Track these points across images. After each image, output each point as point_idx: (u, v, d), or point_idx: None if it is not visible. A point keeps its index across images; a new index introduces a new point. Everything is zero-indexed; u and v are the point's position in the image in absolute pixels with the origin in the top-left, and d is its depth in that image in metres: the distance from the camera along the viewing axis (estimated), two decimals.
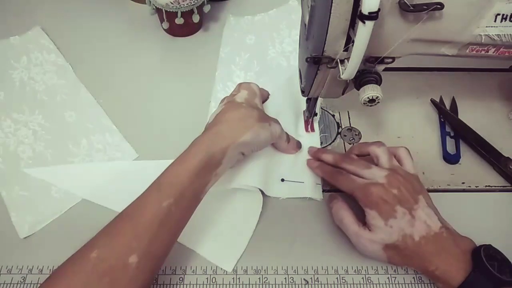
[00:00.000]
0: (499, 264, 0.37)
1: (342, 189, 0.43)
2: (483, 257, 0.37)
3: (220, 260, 0.43)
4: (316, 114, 0.51)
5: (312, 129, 0.52)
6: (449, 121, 0.53)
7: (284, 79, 0.56)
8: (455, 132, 0.52)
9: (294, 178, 0.48)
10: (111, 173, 0.49)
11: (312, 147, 0.50)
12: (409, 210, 0.39)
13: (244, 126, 0.40)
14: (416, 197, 0.40)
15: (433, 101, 0.55)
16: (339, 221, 0.43)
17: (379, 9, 0.30)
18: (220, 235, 0.44)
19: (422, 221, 0.39)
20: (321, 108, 0.54)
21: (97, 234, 0.36)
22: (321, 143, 0.51)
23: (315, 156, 0.48)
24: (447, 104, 0.55)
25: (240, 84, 0.47)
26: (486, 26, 0.35)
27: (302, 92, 0.45)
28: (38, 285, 0.41)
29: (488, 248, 0.38)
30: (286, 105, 0.53)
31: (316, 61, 0.38)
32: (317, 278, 0.42)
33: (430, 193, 0.47)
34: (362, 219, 0.41)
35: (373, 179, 0.41)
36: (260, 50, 0.62)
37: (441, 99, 0.56)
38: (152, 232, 0.35)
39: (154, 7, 0.58)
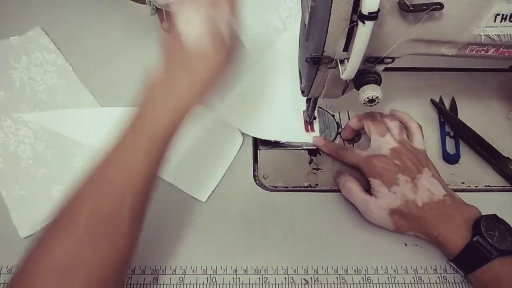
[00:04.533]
0: (501, 234, 0.39)
1: (347, 163, 0.47)
2: (482, 226, 0.39)
3: (195, 191, 0.46)
4: (315, 118, 0.51)
5: (312, 129, 0.52)
6: (448, 121, 0.53)
7: (285, 70, 0.57)
8: (455, 132, 0.52)
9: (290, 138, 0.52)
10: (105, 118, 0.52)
11: (317, 137, 0.51)
12: (412, 179, 0.42)
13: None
14: (420, 168, 0.43)
15: (432, 101, 0.55)
16: (347, 191, 0.45)
17: (379, 9, 0.30)
18: (196, 168, 0.47)
19: (425, 188, 0.42)
20: (320, 108, 0.54)
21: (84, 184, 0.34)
22: None
23: (320, 145, 0.51)
24: (447, 104, 0.55)
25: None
26: (486, 26, 0.35)
27: (302, 92, 0.46)
28: None
29: (492, 218, 0.40)
30: (286, 105, 0.53)
31: (316, 61, 0.38)
32: (317, 278, 0.42)
33: None
34: (368, 190, 0.44)
35: (377, 150, 0.44)
36: (256, 12, 0.64)
37: (440, 99, 0.56)
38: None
39: (154, 7, 0.58)
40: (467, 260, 0.40)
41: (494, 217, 0.40)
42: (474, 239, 0.39)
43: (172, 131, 0.36)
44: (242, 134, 0.51)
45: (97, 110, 0.54)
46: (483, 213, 0.41)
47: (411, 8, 0.32)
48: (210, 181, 0.48)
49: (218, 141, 0.50)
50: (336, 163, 0.50)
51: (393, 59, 0.38)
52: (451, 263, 0.42)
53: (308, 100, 0.49)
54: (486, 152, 0.50)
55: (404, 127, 0.47)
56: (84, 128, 0.52)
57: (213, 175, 0.48)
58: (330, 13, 0.33)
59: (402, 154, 0.43)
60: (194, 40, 0.36)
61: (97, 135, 0.51)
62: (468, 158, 0.51)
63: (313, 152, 0.51)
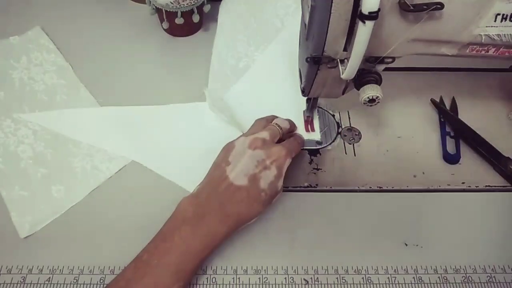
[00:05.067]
0: None
1: None
2: None
3: (187, 183, 0.47)
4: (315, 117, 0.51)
5: (312, 129, 0.52)
6: (449, 121, 0.53)
7: (284, 64, 0.57)
8: (455, 132, 0.52)
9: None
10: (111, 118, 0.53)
11: None
12: None
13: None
14: None
15: (433, 101, 0.55)
16: None
17: (379, 9, 0.30)
18: (197, 165, 0.45)
19: None
20: (320, 108, 0.54)
21: None
22: (321, 142, 0.51)
23: None
24: (447, 104, 0.55)
25: (258, 140, 0.42)
26: (486, 26, 0.35)
27: (302, 92, 0.46)
28: (38, 285, 0.41)
29: None
30: (286, 105, 0.54)
31: (316, 61, 0.38)
32: (317, 278, 0.42)
33: (430, 193, 0.48)
34: None
35: None
36: (255, 10, 0.63)
37: (441, 99, 0.55)
38: None
39: (154, 7, 0.58)
40: None
41: None
42: None
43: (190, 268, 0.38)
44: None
45: (97, 109, 0.54)
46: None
47: (412, 7, 0.32)
48: (203, 173, 0.47)
49: (218, 139, 0.50)
50: (337, 163, 0.50)
51: (394, 59, 0.38)
52: None
53: (308, 100, 0.49)
54: (487, 152, 0.50)
55: None
56: (84, 127, 0.52)
57: (206, 168, 0.47)
58: (330, 12, 0.33)
59: None
60: (236, 175, 0.41)
61: (97, 135, 0.51)
62: (468, 158, 0.51)
63: (313, 152, 0.51)
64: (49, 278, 0.41)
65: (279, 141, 0.45)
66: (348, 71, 0.36)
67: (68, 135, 0.51)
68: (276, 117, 0.48)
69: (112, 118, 0.53)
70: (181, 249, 0.38)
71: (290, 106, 0.53)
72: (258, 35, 0.61)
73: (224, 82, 0.57)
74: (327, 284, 0.42)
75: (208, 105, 0.53)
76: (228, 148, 0.43)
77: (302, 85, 0.45)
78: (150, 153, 0.50)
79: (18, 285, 0.41)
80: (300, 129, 0.52)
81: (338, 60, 0.37)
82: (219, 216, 0.39)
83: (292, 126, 0.49)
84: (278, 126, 0.45)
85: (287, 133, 0.47)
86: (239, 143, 0.43)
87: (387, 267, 0.43)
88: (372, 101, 0.38)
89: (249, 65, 0.59)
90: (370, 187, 0.48)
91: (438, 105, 0.54)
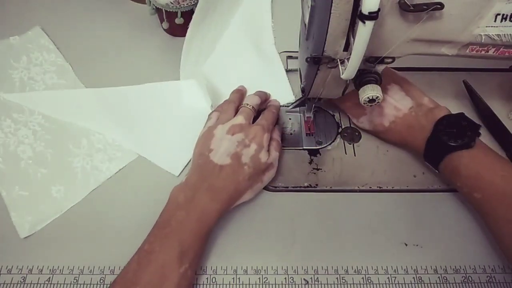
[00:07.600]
0: (460, 131, 0.41)
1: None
2: (441, 125, 0.42)
3: (169, 165, 0.49)
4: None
5: (313, 129, 0.52)
6: (477, 106, 0.54)
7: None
8: (482, 119, 0.53)
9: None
10: (95, 99, 0.54)
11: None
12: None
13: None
14: (386, 87, 0.46)
15: (465, 83, 0.56)
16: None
17: (379, 9, 0.30)
18: (168, 141, 0.50)
19: (391, 107, 0.46)
20: (321, 107, 0.54)
21: None
22: (321, 142, 0.51)
23: None
24: None
25: (235, 126, 0.44)
26: (486, 26, 0.35)
27: (302, 92, 0.46)
28: (38, 285, 0.41)
29: (457, 116, 0.43)
30: (256, 72, 0.56)
31: (316, 61, 0.38)
32: (317, 278, 0.42)
33: (429, 193, 0.48)
34: None
35: None
36: None
37: None
38: None
39: (154, 7, 0.58)
40: (431, 155, 0.44)
41: (460, 115, 0.43)
42: (429, 136, 0.43)
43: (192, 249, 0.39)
44: None
45: (82, 90, 0.55)
46: None
47: (412, 8, 0.32)
48: (182, 154, 0.49)
49: (194, 116, 0.51)
50: (337, 163, 0.50)
51: (394, 59, 0.38)
52: (426, 163, 0.45)
53: (308, 100, 0.49)
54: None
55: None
56: (67, 108, 0.53)
57: (185, 148, 0.48)
58: (330, 12, 0.33)
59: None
60: (220, 157, 0.43)
61: (89, 116, 0.52)
62: None
63: (313, 152, 0.51)
64: (49, 278, 0.41)
65: (256, 117, 0.48)
66: (348, 71, 0.36)
67: (57, 116, 0.52)
68: (243, 89, 0.52)
69: (102, 100, 0.54)
70: (179, 232, 0.39)
71: (262, 72, 0.55)
72: (222, 14, 0.61)
73: (197, 57, 0.58)
74: (327, 284, 0.42)
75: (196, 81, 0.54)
76: (208, 136, 0.45)
77: (302, 85, 0.45)
78: (129, 133, 0.51)
79: (18, 285, 0.41)
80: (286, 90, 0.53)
81: (338, 60, 0.37)
82: (209, 195, 0.41)
83: (263, 96, 0.51)
84: (249, 105, 0.47)
85: (264, 103, 0.51)
86: (218, 131, 0.44)
87: (387, 267, 0.43)
88: (372, 101, 0.38)
89: (215, 39, 0.59)
90: (370, 187, 0.48)
91: (469, 88, 0.55)
